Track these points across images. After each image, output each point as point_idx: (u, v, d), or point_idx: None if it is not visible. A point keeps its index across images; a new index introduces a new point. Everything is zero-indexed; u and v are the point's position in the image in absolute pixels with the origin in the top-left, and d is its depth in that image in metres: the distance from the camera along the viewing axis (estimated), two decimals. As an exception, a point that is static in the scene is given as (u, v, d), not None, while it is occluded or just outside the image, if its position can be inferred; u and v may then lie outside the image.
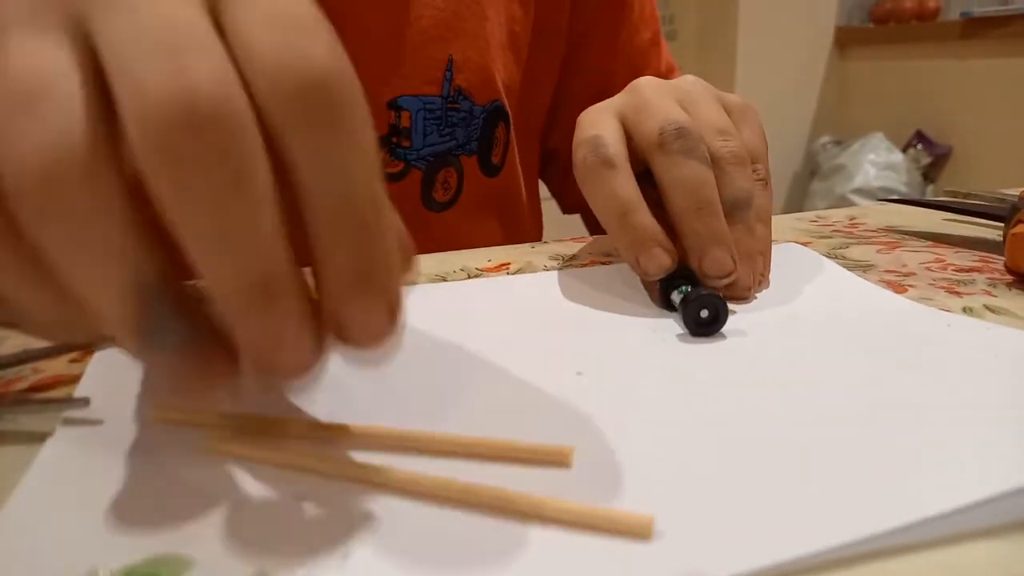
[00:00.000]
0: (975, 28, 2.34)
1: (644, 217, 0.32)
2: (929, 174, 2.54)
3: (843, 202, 2.40)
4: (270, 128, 0.15)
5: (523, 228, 0.60)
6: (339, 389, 0.24)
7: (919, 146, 2.54)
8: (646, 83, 0.36)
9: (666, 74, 0.62)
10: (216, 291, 0.15)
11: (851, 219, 0.53)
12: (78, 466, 0.20)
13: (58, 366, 0.27)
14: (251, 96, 0.15)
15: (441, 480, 0.18)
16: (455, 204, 0.53)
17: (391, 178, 0.50)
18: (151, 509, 0.18)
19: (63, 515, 0.18)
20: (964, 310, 0.33)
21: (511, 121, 0.55)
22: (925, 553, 0.16)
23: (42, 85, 0.14)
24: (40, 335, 0.19)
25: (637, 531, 0.17)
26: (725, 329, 0.30)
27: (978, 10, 2.36)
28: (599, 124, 0.35)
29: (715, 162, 0.33)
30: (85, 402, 0.23)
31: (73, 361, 0.27)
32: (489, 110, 0.52)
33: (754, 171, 0.35)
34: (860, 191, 2.43)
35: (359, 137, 0.15)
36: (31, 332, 0.19)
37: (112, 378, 0.25)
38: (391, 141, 0.49)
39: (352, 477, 0.19)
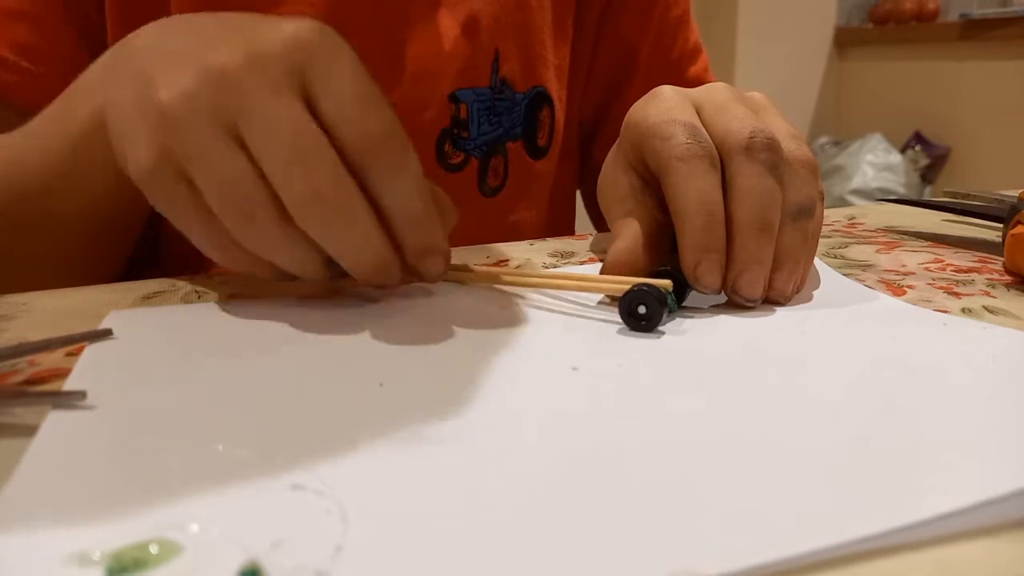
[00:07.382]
0: (974, 29, 2.35)
1: (723, 229, 0.32)
2: (927, 175, 2.54)
3: (841, 203, 2.40)
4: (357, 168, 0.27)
5: (566, 213, 0.64)
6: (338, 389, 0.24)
7: (918, 147, 2.54)
8: (721, 87, 0.36)
9: (692, 55, 0.63)
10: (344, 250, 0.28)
11: (850, 219, 0.53)
12: (70, 452, 0.20)
13: (54, 359, 0.27)
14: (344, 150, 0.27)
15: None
16: (503, 188, 0.56)
17: (454, 169, 0.53)
18: (142, 495, 0.18)
19: (55, 501, 0.18)
20: (963, 310, 0.33)
21: (558, 102, 0.57)
22: (919, 552, 0.16)
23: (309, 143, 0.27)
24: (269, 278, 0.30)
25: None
26: (720, 326, 0.30)
27: (977, 11, 2.37)
28: (685, 110, 0.34)
29: (787, 164, 0.33)
30: (82, 395, 0.23)
31: (69, 355, 0.27)
32: (531, 96, 0.55)
33: None
34: (858, 192, 2.43)
35: (412, 165, 0.28)
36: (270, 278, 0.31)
37: (104, 368, 0.25)
38: (453, 133, 0.52)
39: None
